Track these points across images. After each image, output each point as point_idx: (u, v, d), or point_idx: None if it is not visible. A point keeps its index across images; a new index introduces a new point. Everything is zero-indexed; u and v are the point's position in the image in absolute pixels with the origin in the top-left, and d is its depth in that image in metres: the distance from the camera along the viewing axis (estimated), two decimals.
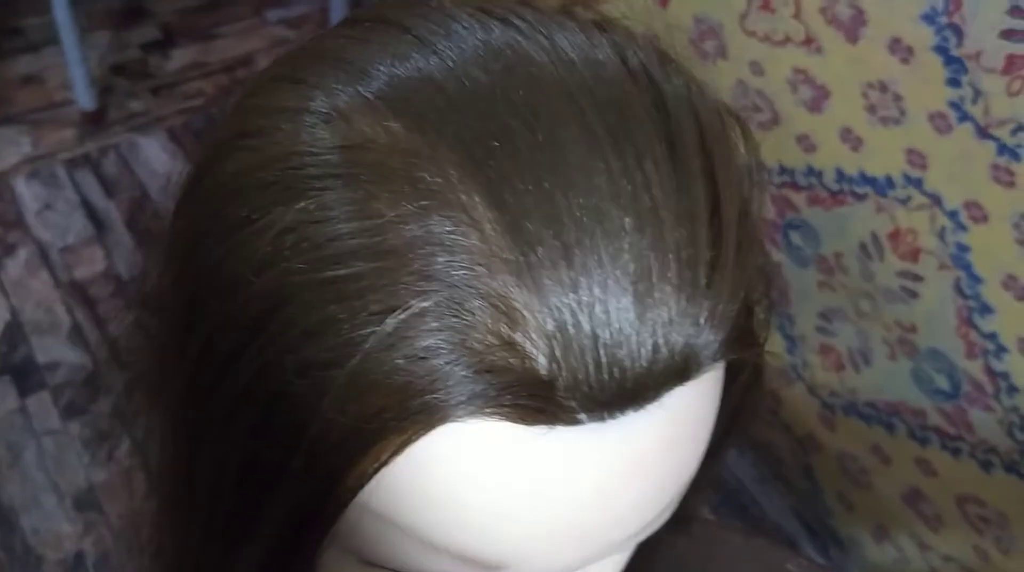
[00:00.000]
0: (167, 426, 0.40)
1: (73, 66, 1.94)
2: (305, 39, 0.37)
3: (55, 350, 1.65)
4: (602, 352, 0.28)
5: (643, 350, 0.29)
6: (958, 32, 0.94)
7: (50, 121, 2.01)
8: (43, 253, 1.79)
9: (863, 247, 1.16)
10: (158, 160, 1.95)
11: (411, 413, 0.28)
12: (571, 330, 0.28)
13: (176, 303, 0.36)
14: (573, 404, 0.29)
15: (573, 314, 0.28)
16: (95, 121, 2.02)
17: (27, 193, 1.88)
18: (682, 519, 0.39)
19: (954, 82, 0.97)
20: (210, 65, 2.18)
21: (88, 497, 1.48)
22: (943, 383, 1.14)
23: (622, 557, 0.39)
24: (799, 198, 1.22)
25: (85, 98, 2.00)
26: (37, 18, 2.14)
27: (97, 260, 1.79)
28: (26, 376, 1.62)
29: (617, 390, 0.29)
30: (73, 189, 1.89)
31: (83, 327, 1.69)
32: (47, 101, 2.05)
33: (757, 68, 1.19)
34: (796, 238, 1.26)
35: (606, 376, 0.28)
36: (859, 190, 1.14)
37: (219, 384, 0.32)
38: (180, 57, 2.19)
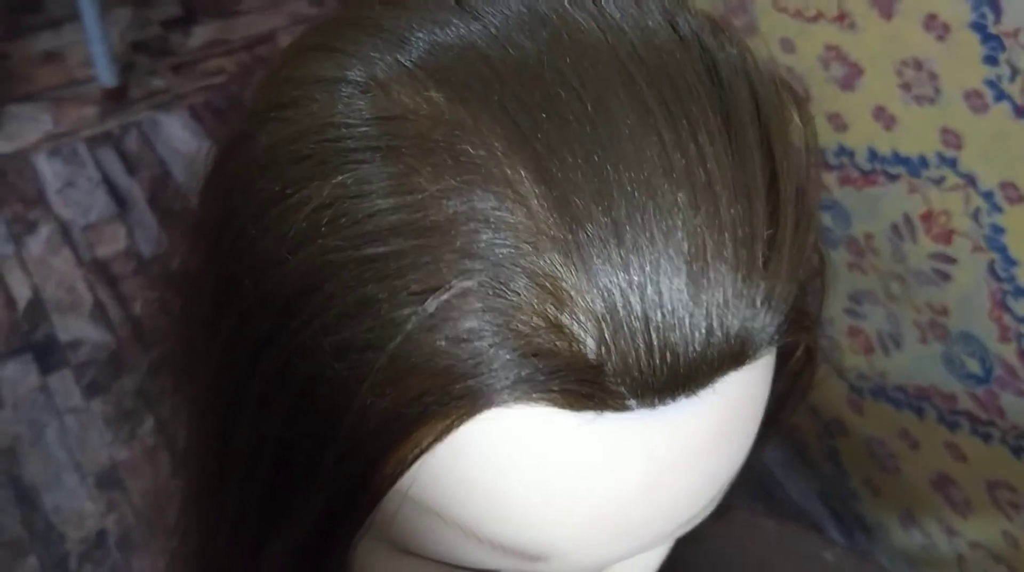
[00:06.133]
0: (195, 410, 0.39)
1: (94, 43, 1.93)
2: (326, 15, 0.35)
3: (77, 328, 1.65)
4: (654, 335, 0.27)
5: (697, 333, 0.27)
6: (996, 9, 0.92)
7: (71, 98, 2.00)
8: (65, 231, 1.78)
9: (895, 228, 1.14)
10: (179, 138, 1.95)
11: (453, 398, 0.27)
12: (621, 312, 0.27)
13: (206, 283, 0.35)
14: (622, 389, 0.27)
15: (623, 295, 0.27)
16: (116, 98, 2.01)
17: (48, 171, 1.87)
18: (719, 507, 0.38)
19: (991, 60, 0.95)
20: (231, 42, 2.16)
21: (111, 475, 1.48)
22: (975, 367, 1.12)
23: (665, 548, 0.38)
24: (830, 178, 1.20)
25: (106, 75, 1.99)
26: None
27: (119, 238, 1.78)
28: (48, 354, 1.62)
29: (669, 375, 0.27)
30: (95, 167, 1.89)
31: (105, 305, 1.68)
32: (68, 78, 2.04)
33: (788, 45, 1.17)
34: (826, 219, 1.24)
35: (658, 360, 0.27)
36: (892, 170, 1.11)
37: (252, 368, 0.31)
38: (201, 34, 2.18)
